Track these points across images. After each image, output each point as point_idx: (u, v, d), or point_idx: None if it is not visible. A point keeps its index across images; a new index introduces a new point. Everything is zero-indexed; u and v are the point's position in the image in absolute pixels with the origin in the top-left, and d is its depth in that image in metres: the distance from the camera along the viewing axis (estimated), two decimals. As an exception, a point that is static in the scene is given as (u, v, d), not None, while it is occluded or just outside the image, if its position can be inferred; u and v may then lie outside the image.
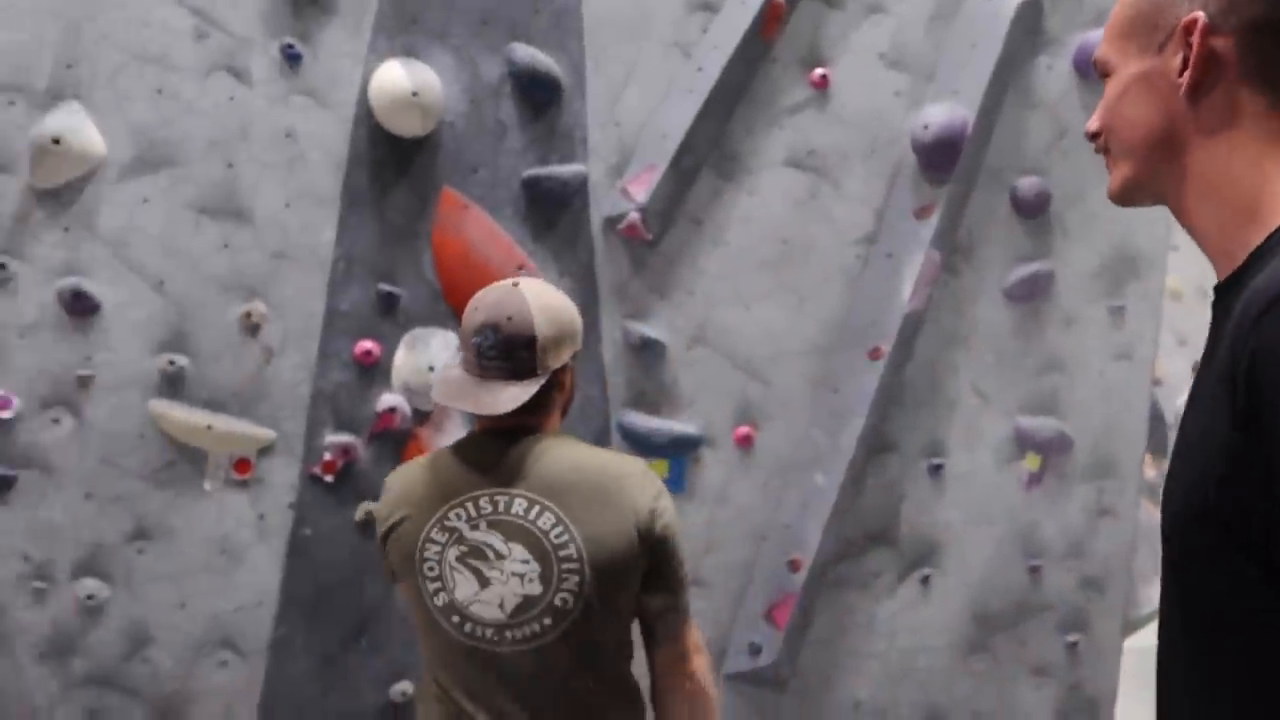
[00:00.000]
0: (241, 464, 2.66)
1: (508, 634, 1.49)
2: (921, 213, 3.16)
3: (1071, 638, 3.48)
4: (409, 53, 2.76)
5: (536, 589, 1.48)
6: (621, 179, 3.00)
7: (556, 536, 1.50)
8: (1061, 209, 3.35)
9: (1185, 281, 11.18)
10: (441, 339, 2.83)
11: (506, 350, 1.56)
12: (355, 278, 2.76)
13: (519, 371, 1.56)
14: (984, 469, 3.37)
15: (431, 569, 1.53)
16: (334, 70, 2.72)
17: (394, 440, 2.80)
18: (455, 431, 2.86)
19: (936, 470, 3.32)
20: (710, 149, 3.08)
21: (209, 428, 2.61)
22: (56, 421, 2.54)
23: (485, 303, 1.60)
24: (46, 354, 2.52)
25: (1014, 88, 3.28)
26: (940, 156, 3.13)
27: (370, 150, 2.76)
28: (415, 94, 2.68)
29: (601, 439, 3.05)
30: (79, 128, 2.50)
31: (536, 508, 1.51)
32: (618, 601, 1.53)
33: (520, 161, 2.92)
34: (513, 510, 1.52)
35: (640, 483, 1.56)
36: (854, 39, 3.16)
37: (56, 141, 2.46)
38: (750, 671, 3.11)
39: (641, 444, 3.07)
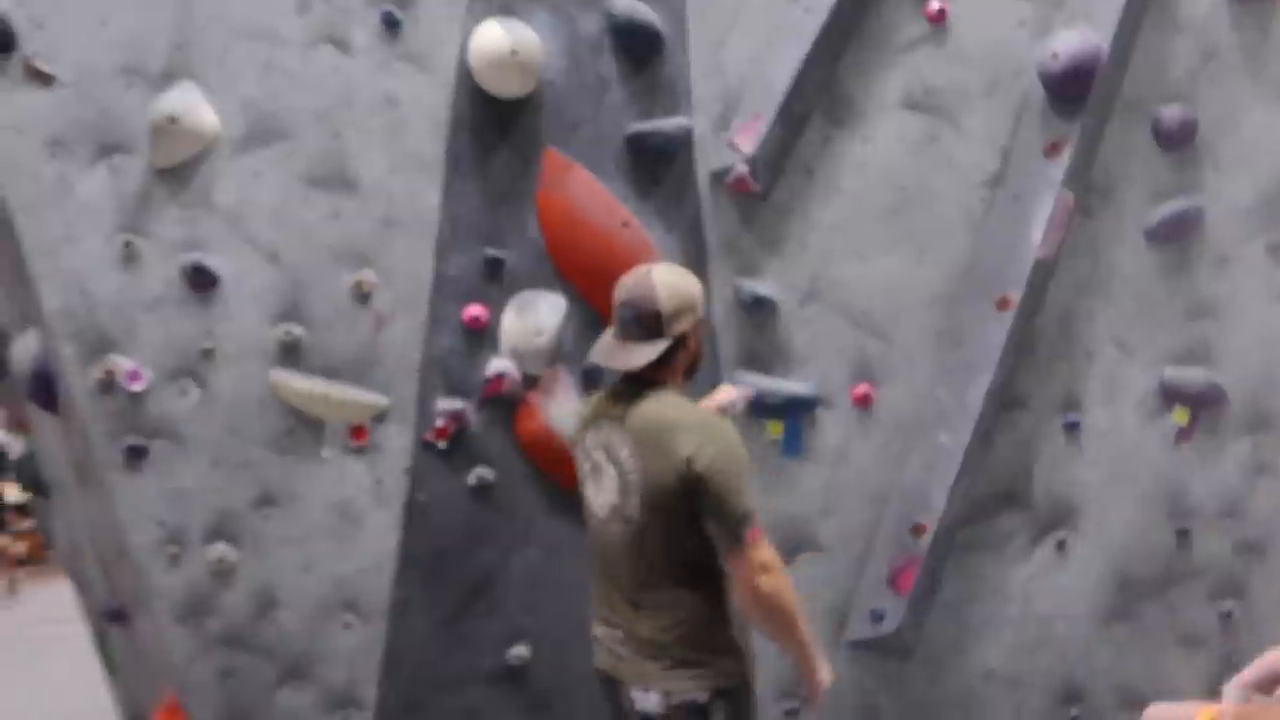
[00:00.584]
0: (357, 431, 2.70)
1: (607, 526, 2.05)
2: (1051, 150, 2.94)
3: (1225, 605, 3.23)
4: (506, 12, 2.71)
5: (617, 500, 2.00)
6: (727, 130, 2.89)
7: (629, 467, 1.98)
8: (1211, 138, 3.07)
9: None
10: (549, 302, 2.80)
11: (639, 320, 2.00)
12: (461, 242, 2.75)
13: (649, 336, 2.00)
14: (1125, 425, 3.14)
15: (581, 472, 2.13)
16: (433, 34, 2.69)
17: (504, 405, 2.79)
18: (565, 396, 2.83)
19: (1073, 427, 3.11)
20: (820, 94, 2.93)
21: (325, 395, 2.65)
22: (184, 393, 2.62)
23: (625, 285, 2.04)
24: (172, 327, 2.60)
25: (1154, 7, 3.01)
26: (1072, 87, 2.90)
27: (471, 113, 2.73)
28: (514, 53, 2.64)
29: (713, 400, 2.96)
30: (193, 106, 2.55)
31: (624, 443, 1.99)
32: (665, 521, 1.95)
33: (623, 117, 2.84)
34: (613, 441, 2.02)
35: (686, 435, 1.92)
36: (974, -33, 2.95)
37: (173, 120, 2.52)
38: (873, 639, 3.00)
39: (754, 404, 2.97)
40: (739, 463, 1.94)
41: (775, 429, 3.02)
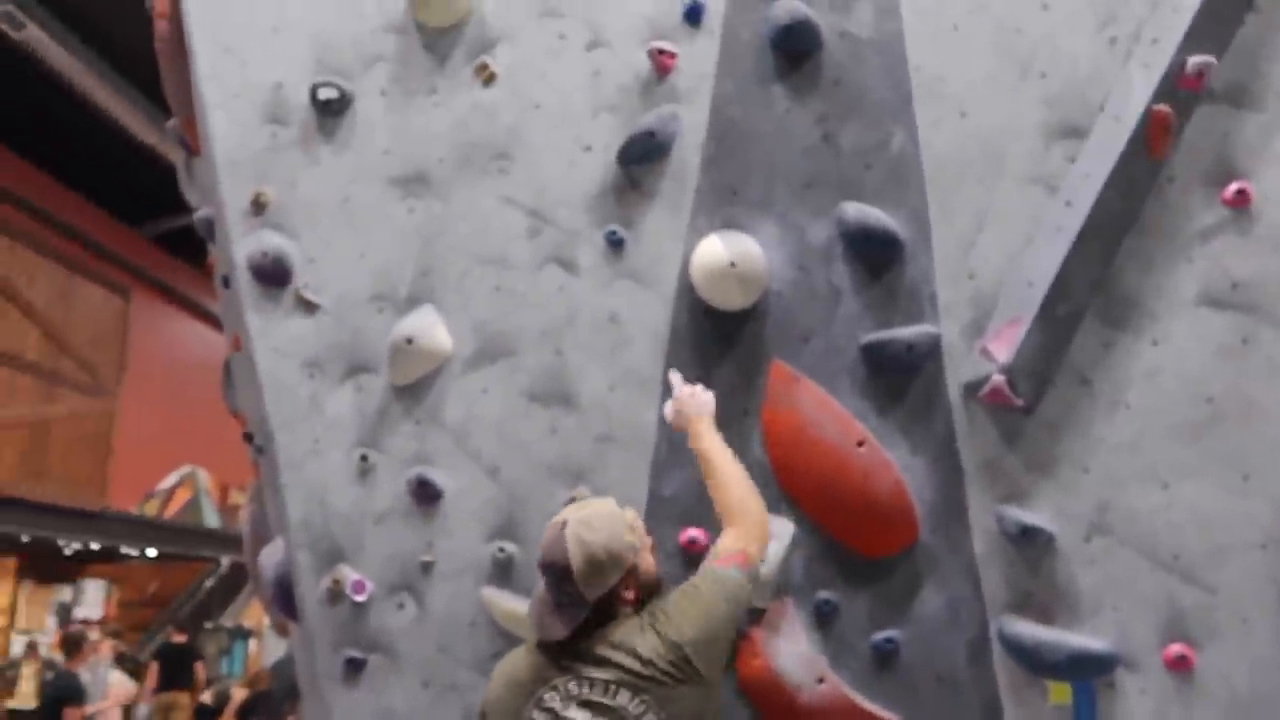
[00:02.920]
0: (562, 660, 2.47)
1: None
2: None
3: None
4: (730, 225, 2.62)
5: None
6: (981, 338, 2.53)
7: (634, 709, 1.88)
8: None
9: None
10: (775, 526, 2.48)
11: (557, 585, 1.95)
12: (679, 461, 2.55)
13: (567, 602, 1.95)
14: None
15: None
16: (656, 251, 2.65)
17: (722, 641, 2.45)
18: (793, 633, 2.45)
19: None
20: (1092, 293, 2.51)
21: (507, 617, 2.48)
22: (401, 607, 2.57)
23: (542, 542, 2.00)
24: (396, 541, 2.59)
25: None
26: None
27: (692, 327, 2.60)
28: (733, 264, 2.51)
29: (978, 651, 2.45)
30: (430, 327, 2.65)
31: (606, 689, 1.90)
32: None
33: (858, 327, 2.58)
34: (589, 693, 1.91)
35: (654, 635, 1.97)
36: (1279, 141, 2.47)
37: (410, 341, 2.62)
38: None
39: (1030, 660, 2.41)
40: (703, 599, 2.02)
41: (1061, 694, 2.41)
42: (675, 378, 2.47)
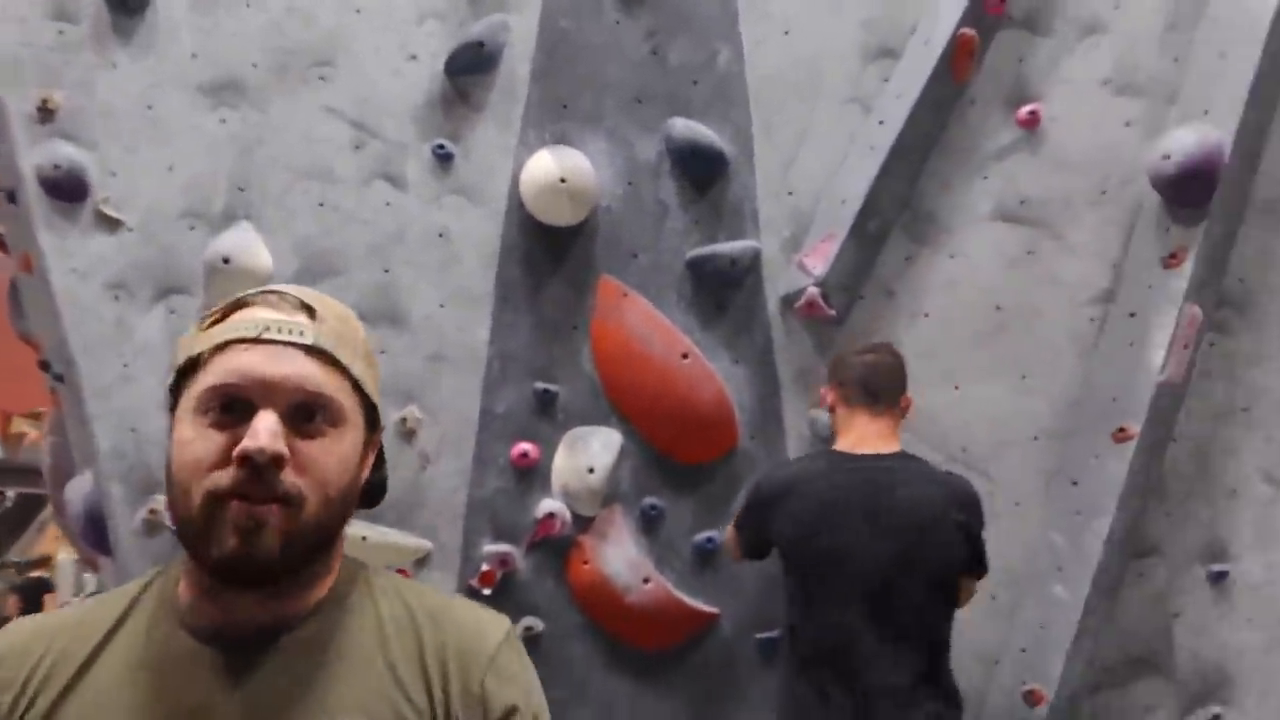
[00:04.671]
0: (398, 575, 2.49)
1: None
2: (1171, 260, 2.53)
3: None
4: (560, 140, 2.59)
5: None
6: (798, 252, 2.63)
7: None
8: (1371, 242, 2.57)
9: None
10: (603, 438, 2.57)
11: None
12: (511, 377, 2.57)
13: None
14: (1288, 577, 2.59)
15: None
16: (485, 166, 2.59)
17: (555, 548, 2.55)
18: (620, 540, 2.56)
19: (1219, 578, 2.59)
20: (899, 210, 2.65)
21: (364, 539, 2.47)
22: (230, 533, 2.50)
23: None
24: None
25: (1286, 100, 2.59)
26: (1190, 191, 2.50)
27: (523, 243, 2.59)
28: (563, 180, 2.49)
29: (791, 543, 2.62)
30: (248, 246, 2.51)
31: None
32: None
33: (684, 242, 2.63)
34: None
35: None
36: (1068, 66, 2.63)
37: (226, 260, 2.48)
38: (983, 828, 2.50)
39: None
40: None
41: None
42: None
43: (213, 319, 0.94)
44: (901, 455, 2.29)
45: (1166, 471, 2.58)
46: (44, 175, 2.46)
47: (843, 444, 2.30)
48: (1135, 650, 2.58)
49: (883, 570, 2.15)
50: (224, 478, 0.86)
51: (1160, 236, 2.56)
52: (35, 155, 2.47)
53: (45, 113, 2.48)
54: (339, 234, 2.56)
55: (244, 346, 0.90)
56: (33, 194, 2.47)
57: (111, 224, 2.49)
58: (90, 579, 2.99)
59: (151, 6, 2.54)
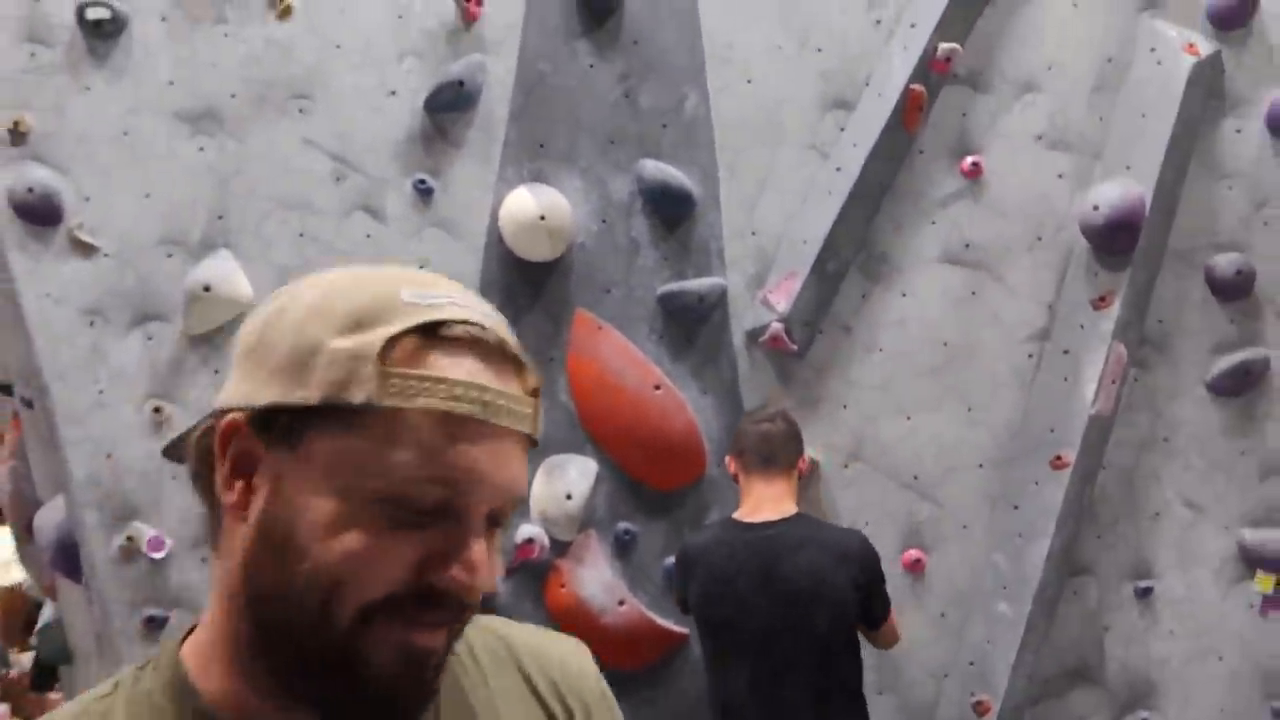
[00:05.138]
0: (378, 602, 2.52)
1: None
2: (1100, 303, 2.76)
3: (1339, 800, 2.80)
4: (537, 178, 2.67)
5: None
6: (762, 289, 2.77)
7: None
8: (1271, 288, 2.85)
9: None
10: (580, 465, 2.64)
11: None
12: (489, 405, 2.62)
13: None
14: (1204, 593, 2.82)
15: None
16: (465, 201, 2.66)
17: (533, 572, 2.61)
18: (596, 564, 2.63)
19: (1145, 594, 2.81)
20: (856, 251, 2.81)
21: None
22: (205, 561, 2.49)
23: None
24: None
25: (1198, 157, 2.86)
26: (1115, 239, 2.74)
27: (501, 277, 2.66)
28: (542, 218, 2.58)
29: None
30: (228, 274, 2.52)
31: None
32: None
33: (655, 278, 2.75)
34: None
35: None
36: (1006, 122, 2.85)
37: (207, 289, 2.49)
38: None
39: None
40: None
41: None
42: None
43: (402, 346, 0.64)
44: (796, 519, 2.39)
45: (1097, 497, 2.80)
46: (16, 198, 2.43)
47: (742, 511, 2.42)
48: (1071, 662, 2.77)
49: (772, 635, 2.28)
50: (392, 590, 0.62)
51: (1090, 280, 2.79)
52: (7, 177, 2.44)
53: (17, 135, 2.46)
54: (318, 264, 2.54)
55: (465, 426, 0.63)
56: (4, 216, 2.43)
57: (86, 249, 2.47)
58: (48, 608, 2.89)
59: (127, 32, 2.54)
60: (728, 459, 2.53)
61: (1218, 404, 2.84)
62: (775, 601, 2.27)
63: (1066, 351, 2.78)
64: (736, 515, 2.41)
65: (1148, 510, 2.82)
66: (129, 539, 2.42)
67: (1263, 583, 2.82)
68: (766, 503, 2.39)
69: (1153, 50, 2.82)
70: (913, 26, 2.80)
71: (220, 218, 2.55)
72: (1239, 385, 2.83)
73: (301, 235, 2.58)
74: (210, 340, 2.53)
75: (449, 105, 2.63)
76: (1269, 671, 2.80)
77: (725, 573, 2.31)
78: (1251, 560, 2.82)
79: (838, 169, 2.79)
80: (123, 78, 2.52)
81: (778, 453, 2.42)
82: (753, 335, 2.76)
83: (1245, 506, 2.83)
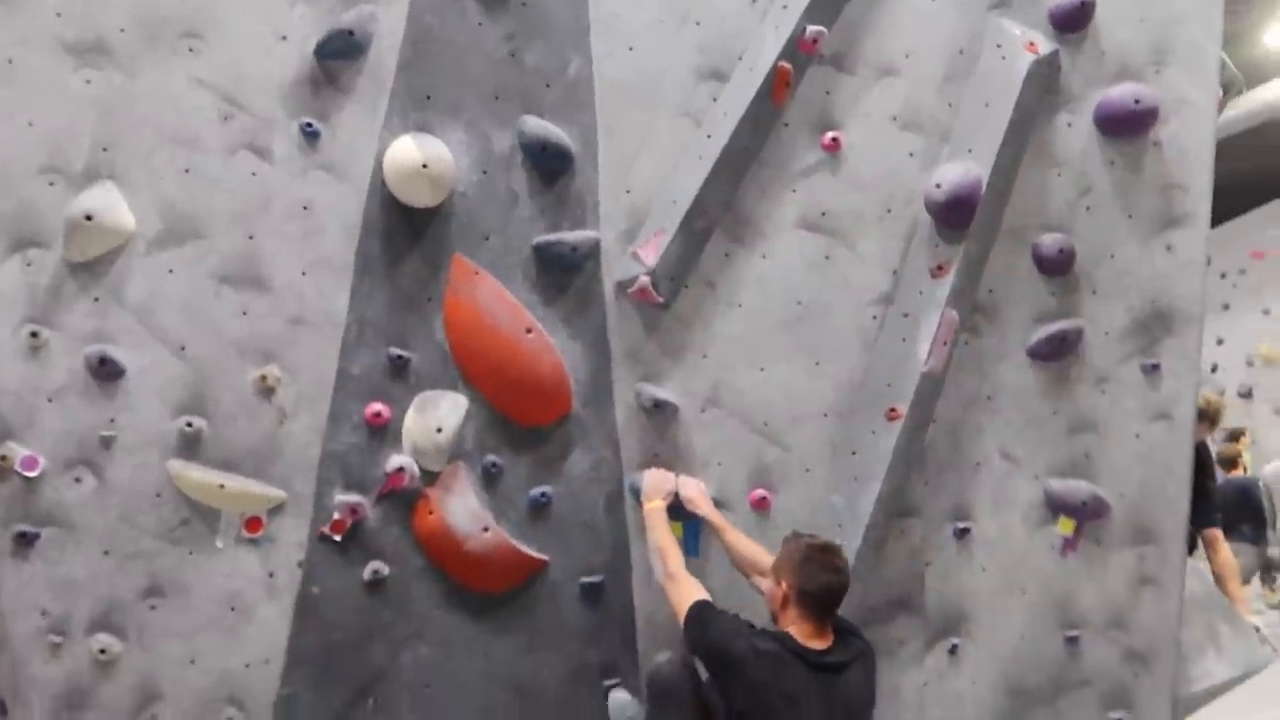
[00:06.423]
0: (252, 522, 2.63)
1: None
2: (937, 272, 3.00)
3: (1116, 715, 3.16)
4: (422, 128, 2.77)
5: None
6: (632, 244, 2.93)
7: None
8: (1088, 266, 3.14)
9: (1280, 344, 10.53)
10: (451, 401, 2.78)
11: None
12: (367, 342, 2.74)
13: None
14: (1014, 535, 3.12)
15: None
16: (351, 146, 2.74)
17: (403, 500, 2.74)
18: (463, 493, 2.78)
19: (962, 535, 3.09)
20: (722, 213, 2.99)
21: (222, 487, 2.59)
22: (79, 480, 2.56)
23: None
24: (72, 416, 2.55)
25: (1033, 146, 3.11)
26: (954, 215, 2.98)
27: (384, 220, 2.75)
28: (425, 166, 2.68)
29: (614, 501, 2.93)
30: (111, 205, 2.56)
31: None
32: None
33: (531, 229, 2.88)
34: None
35: None
36: (865, 102, 3.06)
37: (89, 218, 2.52)
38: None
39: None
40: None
41: (675, 530, 2.96)
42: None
43: None
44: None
45: (926, 447, 3.06)
46: (-108, 119, 2.41)
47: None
48: (895, 593, 3.05)
49: None
50: None
51: (930, 251, 3.03)
52: (-118, 98, 2.42)
53: (-105, 56, 2.44)
54: (203, 200, 2.65)
55: None
56: (-121, 137, 2.42)
57: (-35, 174, 2.47)
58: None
59: (13, -39, 2.53)
60: (776, 577, 2.51)
61: (1036, 367, 3.13)
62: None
63: (906, 315, 3.02)
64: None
65: (970, 460, 3.10)
66: (3, 457, 2.46)
67: (1064, 526, 3.14)
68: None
69: (998, 46, 3.06)
70: (785, 8, 2.97)
71: (105, 150, 2.58)
72: (1055, 351, 3.12)
73: (187, 171, 2.63)
74: (91, 269, 2.57)
75: (339, 53, 2.70)
76: (1065, 604, 3.13)
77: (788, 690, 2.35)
78: (1056, 506, 3.13)
79: (709, 136, 2.95)
80: (9, 6, 2.52)
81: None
82: (622, 286, 2.92)
83: (1053, 459, 3.13)
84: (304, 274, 2.70)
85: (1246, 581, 7.15)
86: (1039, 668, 3.11)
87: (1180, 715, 3.31)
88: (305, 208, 2.71)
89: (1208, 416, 3.84)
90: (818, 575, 2.43)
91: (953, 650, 3.08)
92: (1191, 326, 3.16)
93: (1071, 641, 3.13)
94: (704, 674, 2.55)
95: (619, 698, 2.84)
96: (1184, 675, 3.28)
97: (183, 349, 2.62)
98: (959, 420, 3.09)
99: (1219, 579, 3.82)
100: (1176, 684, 3.19)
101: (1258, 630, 3.61)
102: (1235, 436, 7.46)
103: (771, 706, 2.33)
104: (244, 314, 2.66)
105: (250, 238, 2.67)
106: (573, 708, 2.85)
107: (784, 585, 2.46)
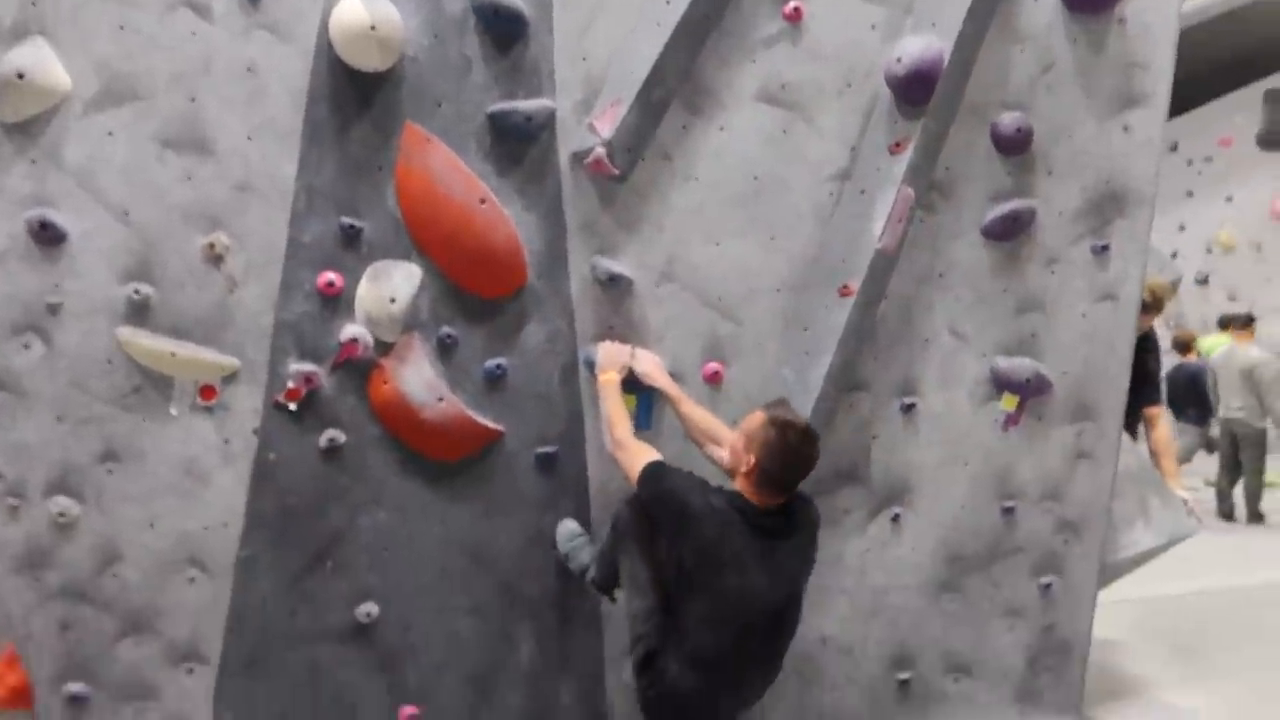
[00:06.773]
0: (207, 390, 2.63)
1: None
2: (895, 148, 2.98)
3: (1045, 580, 3.32)
4: (369, -14, 2.65)
5: None
6: (589, 114, 2.87)
7: None
8: (1045, 145, 3.13)
9: (1240, 232, 10.61)
10: (404, 271, 2.76)
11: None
12: (317, 210, 2.69)
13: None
14: (958, 409, 3.21)
15: None
16: (295, 5, 2.63)
17: (357, 370, 2.75)
18: (418, 364, 2.79)
19: (909, 409, 3.17)
20: (680, 83, 2.92)
21: (173, 354, 2.58)
22: (27, 347, 2.53)
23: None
24: (16, 282, 2.51)
25: (997, 20, 3.05)
26: (914, 90, 2.94)
27: (331, 84, 2.67)
28: (373, 27, 2.58)
29: (569, 373, 2.96)
30: (43, 63, 2.46)
31: None
32: None
33: (485, 97, 2.80)
34: None
35: None
36: (829, -30, 2.96)
37: (21, 76, 2.42)
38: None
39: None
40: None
41: (629, 402, 3.01)
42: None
43: None
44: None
45: (877, 322, 3.10)
46: None
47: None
48: (843, 465, 3.14)
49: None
50: None
51: (890, 127, 3.00)
52: None
53: None
54: (141, 58, 2.54)
55: None
56: None
57: (-115, 25, 2.36)
58: None
59: None
60: (743, 445, 2.50)
61: (988, 246, 3.15)
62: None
63: (863, 191, 3.01)
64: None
65: (919, 336, 3.15)
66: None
67: (1007, 402, 3.22)
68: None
69: (967, -88, 2.95)
70: None
71: (33, 4, 2.46)
72: (1008, 231, 3.14)
73: (122, 28, 2.52)
74: (25, 129, 2.49)
75: (277, -98, 2.56)
76: (1003, 476, 3.24)
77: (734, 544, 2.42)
78: (1000, 383, 3.20)
79: (667, 2, 2.86)
80: None
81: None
82: (577, 157, 2.87)
83: (1000, 337, 3.19)
84: (249, 139, 2.63)
85: (1189, 459, 7.44)
86: (976, 536, 3.25)
87: (1106, 580, 3.49)
88: (249, 69, 2.62)
89: (1153, 305, 3.91)
90: (789, 461, 2.46)
91: (895, 519, 3.20)
92: (1143, 208, 3.18)
93: (1008, 512, 3.26)
94: None
95: (567, 524, 2.93)
96: (1112, 543, 3.44)
97: (126, 214, 2.56)
98: (911, 296, 3.13)
99: (1154, 454, 3.96)
100: (1104, 551, 3.35)
101: (1185, 503, 3.77)
102: (1246, 323, 7.43)
103: (719, 563, 2.41)
104: (188, 179, 2.60)
105: (192, 100, 2.58)
106: (528, 572, 2.95)
107: (752, 458, 2.48)
